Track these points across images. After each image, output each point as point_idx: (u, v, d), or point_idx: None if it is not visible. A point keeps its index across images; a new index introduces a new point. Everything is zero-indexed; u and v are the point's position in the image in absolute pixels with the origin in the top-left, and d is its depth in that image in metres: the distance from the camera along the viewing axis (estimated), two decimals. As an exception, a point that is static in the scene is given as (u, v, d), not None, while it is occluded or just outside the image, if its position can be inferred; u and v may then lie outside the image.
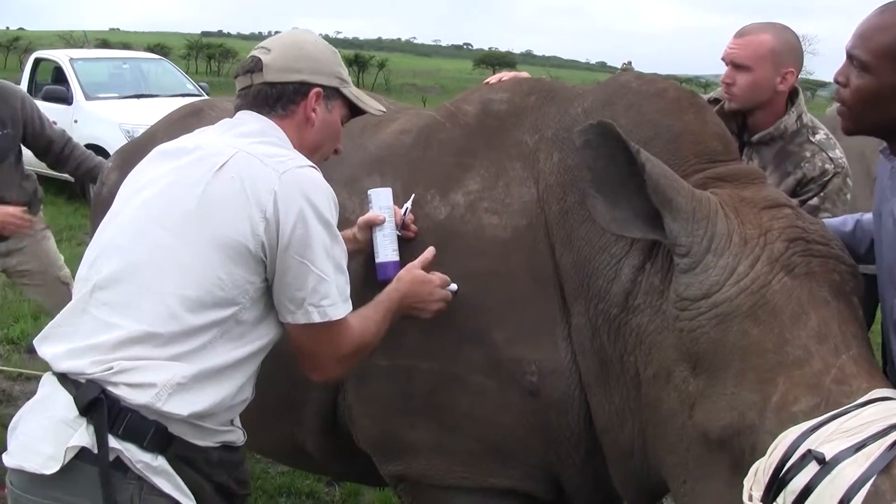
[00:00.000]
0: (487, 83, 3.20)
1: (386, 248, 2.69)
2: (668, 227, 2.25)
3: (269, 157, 2.18)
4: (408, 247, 2.73)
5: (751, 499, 2.00)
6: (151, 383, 2.01)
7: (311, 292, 2.16)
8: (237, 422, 2.31)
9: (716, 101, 3.52)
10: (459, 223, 2.70)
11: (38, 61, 14.09)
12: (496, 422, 2.60)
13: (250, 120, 2.33)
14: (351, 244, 2.68)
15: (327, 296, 2.18)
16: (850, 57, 2.24)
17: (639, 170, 2.23)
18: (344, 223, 2.86)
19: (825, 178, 3.36)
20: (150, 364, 2.03)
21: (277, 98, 2.34)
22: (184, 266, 2.07)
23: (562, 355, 2.53)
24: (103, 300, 2.10)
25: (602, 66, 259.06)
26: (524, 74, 3.29)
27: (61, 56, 13.78)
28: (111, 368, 2.01)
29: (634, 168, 2.24)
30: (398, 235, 2.71)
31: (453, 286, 2.60)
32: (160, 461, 2.04)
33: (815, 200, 3.33)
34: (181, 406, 2.04)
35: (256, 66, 2.36)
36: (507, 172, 2.72)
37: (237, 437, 2.28)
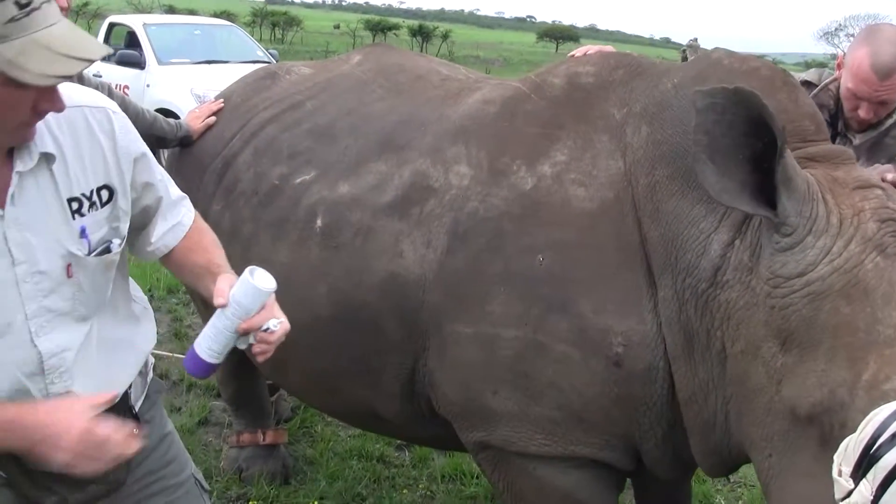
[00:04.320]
0: (573, 56, 3.21)
1: (214, 339, 2.08)
2: (783, 205, 2.25)
3: None
4: (484, 226, 2.74)
5: (840, 474, 2.00)
6: None
7: None
8: None
9: (807, 83, 3.48)
10: (546, 194, 2.71)
11: (112, 26, 14.30)
12: (580, 391, 2.63)
13: None
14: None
15: None
16: None
17: (753, 142, 2.22)
18: (426, 191, 2.89)
19: None
20: None
21: None
22: None
23: (648, 327, 2.55)
24: None
25: (666, 42, 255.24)
26: (609, 48, 3.29)
27: (135, 21, 13.98)
28: None
29: (751, 140, 2.23)
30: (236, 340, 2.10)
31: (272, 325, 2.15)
32: None
33: None
34: None
35: None
36: (595, 145, 2.73)
37: None
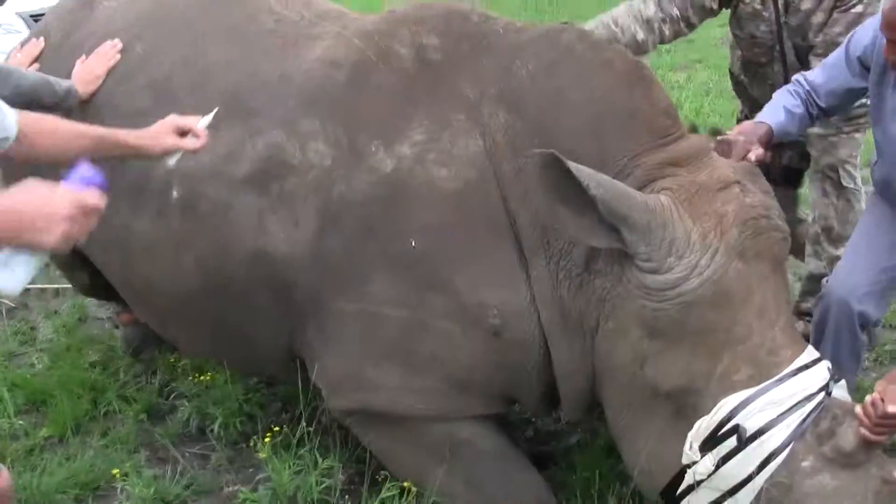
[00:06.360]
0: None
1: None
2: (627, 239, 2.45)
3: None
4: (354, 210, 2.79)
5: (690, 447, 2.45)
6: None
7: None
8: None
9: None
10: (408, 176, 2.76)
11: None
12: (462, 362, 2.79)
13: None
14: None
15: None
16: None
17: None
18: (284, 167, 2.88)
19: None
20: None
21: None
22: None
23: (522, 298, 2.70)
24: None
25: None
26: None
27: None
28: None
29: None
30: None
31: (205, 119, 2.72)
32: None
33: (859, 7, 3.56)
34: None
35: None
36: (452, 124, 2.78)
37: None
